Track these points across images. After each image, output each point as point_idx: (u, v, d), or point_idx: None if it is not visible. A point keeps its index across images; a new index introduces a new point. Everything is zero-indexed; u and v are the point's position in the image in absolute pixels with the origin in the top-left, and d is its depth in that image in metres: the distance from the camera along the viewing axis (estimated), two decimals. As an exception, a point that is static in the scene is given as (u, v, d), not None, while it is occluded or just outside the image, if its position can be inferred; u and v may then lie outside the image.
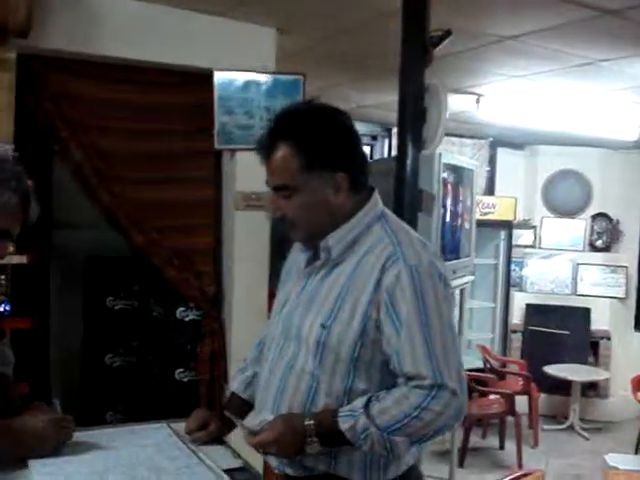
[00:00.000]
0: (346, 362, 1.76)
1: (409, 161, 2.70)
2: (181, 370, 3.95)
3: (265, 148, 1.82)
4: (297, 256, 2.00)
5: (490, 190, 7.91)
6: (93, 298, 4.34)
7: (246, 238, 3.87)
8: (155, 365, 4.22)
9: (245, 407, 2.07)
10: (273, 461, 1.88)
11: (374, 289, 1.74)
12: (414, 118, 2.74)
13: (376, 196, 1.90)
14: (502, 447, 6.46)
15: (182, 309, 3.94)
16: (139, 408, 4.19)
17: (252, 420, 1.94)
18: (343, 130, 1.84)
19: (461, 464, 5.87)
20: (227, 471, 1.71)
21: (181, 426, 2.03)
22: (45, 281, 4.24)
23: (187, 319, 3.95)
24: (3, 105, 3.39)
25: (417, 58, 2.78)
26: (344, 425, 1.70)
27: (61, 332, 4.38)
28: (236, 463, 1.80)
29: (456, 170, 4.81)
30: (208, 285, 3.86)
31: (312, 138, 1.78)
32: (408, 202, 2.60)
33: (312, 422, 1.72)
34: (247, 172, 3.83)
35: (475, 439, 6.36)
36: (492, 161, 7.97)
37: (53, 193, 4.32)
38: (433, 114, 2.76)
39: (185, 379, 3.96)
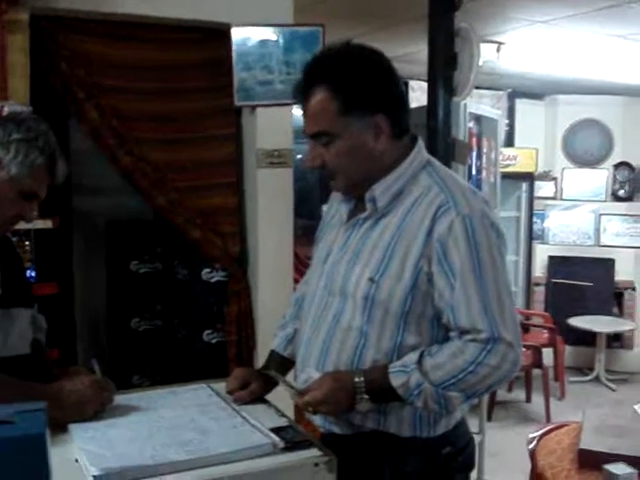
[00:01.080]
0: (396, 317, 1.70)
1: (440, 110, 2.61)
2: (209, 332, 3.91)
3: (301, 93, 1.74)
4: (337, 207, 1.93)
5: (509, 142, 7.79)
6: (117, 262, 4.30)
7: (269, 196, 3.80)
8: (182, 328, 4.18)
9: (286, 365, 2.02)
10: (318, 419, 1.84)
11: (425, 240, 1.67)
12: (445, 64, 2.65)
13: (420, 143, 1.82)
14: (529, 400, 6.45)
15: (207, 270, 3.89)
16: (166, 371, 4.17)
17: (293, 378, 1.90)
18: (381, 70, 1.75)
19: (489, 418, 5.86)
20: (273, 430, 1.66)
21: (221, 386, 1.98)
22: (68, 247, 4.19)
23: (212, 280, 3.90)
24: (18, 67, 3.32)
25: (446, 1, 2.68)
26: (396, 381, 1.66)
27: (86, 297, 4.35)
28: (281, 422, 1.75)
29: (480, 120, 4.71)
30: (232, 245, 3.80)
31: (349, 79, 1.69)
32: (441, 152, 2.53)
33: (362, 379, 1.67)
34: (268, 129, 3.77)
35: (501, 392, 6.34)
36: (511, 112, 7.84)
37: (71, 158, 4.26)
38: (464, 60, 2.66)
39: (213, 341, 3.93)
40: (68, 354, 3.79)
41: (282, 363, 2.03)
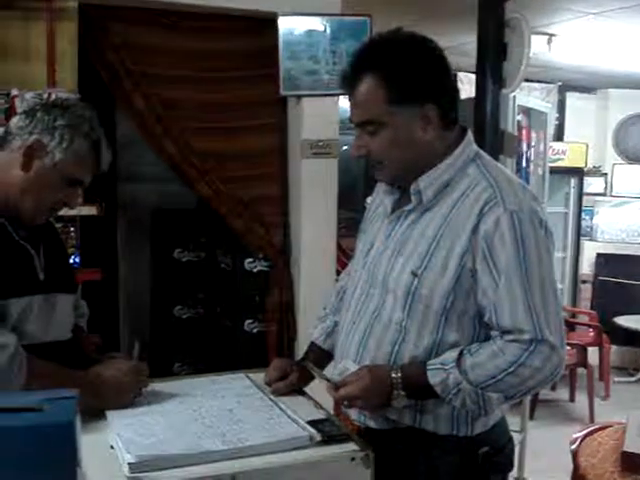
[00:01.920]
0: (437, 313, 1.66)
1: (489, 101, 2.56)
2: (250, 321, 3.92)
3: (348, 81, 1.70)
4: (382, 199, 1.89)
5: (559, 136, 7.66)
6: (160, 250, 4.33)
7: (313, 187, 3.79)
8: (223, 316, 4.20)
9: (325, 357, 2.00)
10: (353, 413, 1.82)
11: (470, 236, 1.62)
12: (494, 55, 2.59)
13: (470, 135, 1.76)
14: (572, 399, 6.34)
15: (250, 260, 3.89)
16: (207, 359, 4.19)
17: (331, 370, 1.88)
18: (433, 59, 1.69)
19: (531, 416, 5.77)
20: (310, 422, 1.65)
21: (259, 376, 1.97)
22: (112, 234, 4.23)
23: (255, 270, 3.90)
24: (66, 55, 3.35)
25: (497, -10, 2.63)
26: (434, 379, 1.62)
27: (129, 284, 4.40)
28: (319, 414, 1.74)
29: (529, 113, 4.63)
30: (275, 236, 3.81)
31: (399, 68, 1.65)
32: (489, 144, 2.48)
33: (399, 374, 1.64)
34: (313, 119, 3.75)
35: (544, 391, 6.24)
36: (561, 106, 7.71)
37: (116, 146, 4.29)
38: (515, 50, 2.60)
39: (254, 330, 3.93)
40: (110, 340, 3.83)
41: (321, 355, 2.01)
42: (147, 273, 4.39)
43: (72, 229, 3.19)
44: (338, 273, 3.68)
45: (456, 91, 1.77)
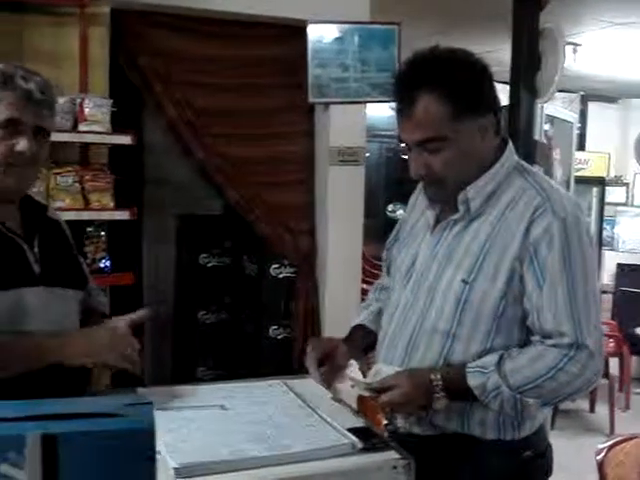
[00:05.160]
0: (488, 320, 1.67)
1: (523, 111, 2.56)
2: (275, 327, 3.93)
3: (403, 101, 1.70)
4: (421, 212, 1.90)
5: (581, 146, 7.64)
6: (186, 255, 4.35)
7: (340, 194, 3.80)
8: (248, 322, 4.21)
9: (369, 339, 1.98)
10: (399, 421, 1.83)
11: (521, 242, 1.64)
12: (529, 65, 2.59)
13: (511, 145, 1.78)
14: (592, 410, 6.29)
15: (275, 266, 3.91)
16: (231, 365, 4.20)
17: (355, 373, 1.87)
18: (483, 70, 1.71)
19: (551, 426, 5.74)
20: (350, 430, 1.64)
21: (295, 383, 1.97)
22: (138, 238, 4.25)
23: (280, 276, 3.92)
24: (97, 60, 3.39)
25: (531, 1, 2.62)
26: (473, 382, 1.63)
27: (154, 289, 4.41)
28: (358, 422, 1.73)
29: (554, 122, 4.63)
30: (302, 242, 3.82)
31: (458, 82, 1.65)
32: (522, 154, 2.47)
33: (439, 377, 1.65)
34: (341, 126, 3.77)
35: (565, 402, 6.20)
36: (583, 116, 7.70)
37: (144, 151, 4.32)
38: (549, 60, 2.60)
39: (279, 336, 3.94)
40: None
41: (364, 338, 2.00)
42: (172, 278, 4.40)
43: (102, 233, 3.21)
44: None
45: (499, 99, 1.78)
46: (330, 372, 1.91)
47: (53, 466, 0.81)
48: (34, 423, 0.81)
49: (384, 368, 1.76)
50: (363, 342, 1.98)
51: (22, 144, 1.72)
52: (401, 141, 1.74)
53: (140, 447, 0.79)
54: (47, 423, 0.81)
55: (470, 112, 1.66)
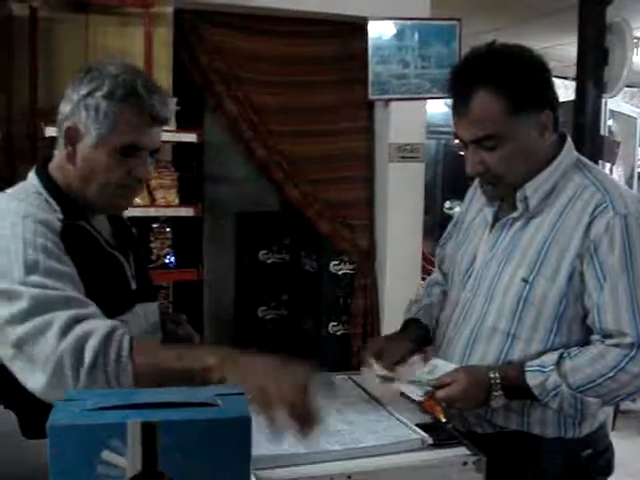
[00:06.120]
0: (549, 319, 1.66)
1: (589, 106, 2.52)
2: (334, 324, 3.94)
3: (459, 98, 1.69)
4: (478, 210, 1.89)
5: (642, 141, 7.48)
6: (245, 252, 4.39)
7: (400, 191, 3.80)
8: (307, 318, 4.23)
9: (421, 333, 1.97)
10: (458, 420, 1.82)
11: (582, 240, 1.62)
12: (595, 60, 2.56)
13: (570, 141, 1.76)
14: (654, 410, 6.18)
15: (335, 263, 3.92)
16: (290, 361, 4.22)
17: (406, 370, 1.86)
18: (541, 66, 1.69)
19: (612, 427, 5.65)
20: (419, 426, 1.65)
21: (361, 378, 1.98)
22: (199, 235, 4.31)
23: (340, 273, 3.93)
24: (162, 60, 3.44)
25: (599, -6, 2.59)
26: (532, 381, 1.62)
27: (215, 285, 4.46)
28: (427, 418, 1.74)
29: (618, 118, 4.54)
30: (362, 239, 3.83)
31: (515, 78, 1.64)
32: (588, 150, 2.45)
33: (497, 375, 1.64)
34: (401, 123, 3.77)
35: (625, 402, 6.10)
36: (645, 110, 7.53)
37: (205, 149, 4.37)
38: (616, 55, 2.56)
39: (338, 333, 3.95)
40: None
41: (417, 331, 1.97)
42: (232, 274, 4.45)
43: (168, 229, 3.26)
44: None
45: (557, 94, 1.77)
46: (388, 367, 1.87)
47: (152, 453, 0.83)
48: (134, 411, 0.84)
49: (440, 364, 1.76)
50: (417, 335, 1.96)
51: (141, 170, 1.59)
52: (457, 138, 1.74)
53: (237, 436, 0.81)
54: (146, 411, 0.84)
55: (527, 109, 1.65)
